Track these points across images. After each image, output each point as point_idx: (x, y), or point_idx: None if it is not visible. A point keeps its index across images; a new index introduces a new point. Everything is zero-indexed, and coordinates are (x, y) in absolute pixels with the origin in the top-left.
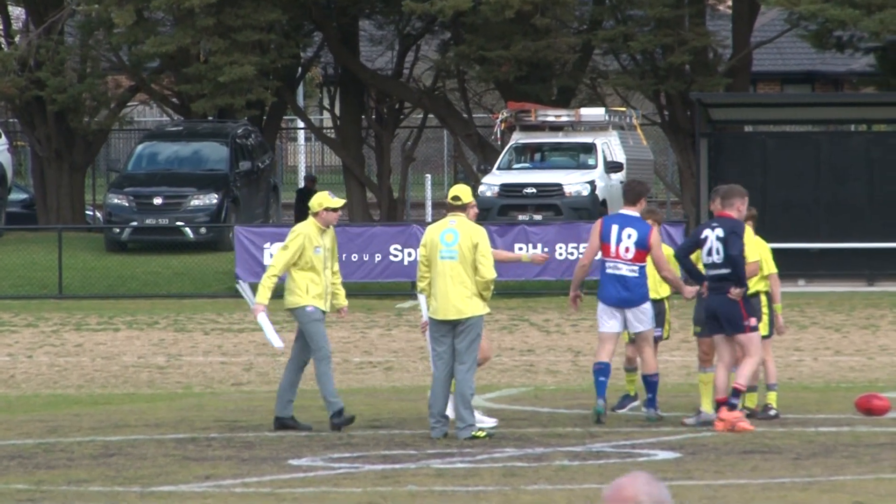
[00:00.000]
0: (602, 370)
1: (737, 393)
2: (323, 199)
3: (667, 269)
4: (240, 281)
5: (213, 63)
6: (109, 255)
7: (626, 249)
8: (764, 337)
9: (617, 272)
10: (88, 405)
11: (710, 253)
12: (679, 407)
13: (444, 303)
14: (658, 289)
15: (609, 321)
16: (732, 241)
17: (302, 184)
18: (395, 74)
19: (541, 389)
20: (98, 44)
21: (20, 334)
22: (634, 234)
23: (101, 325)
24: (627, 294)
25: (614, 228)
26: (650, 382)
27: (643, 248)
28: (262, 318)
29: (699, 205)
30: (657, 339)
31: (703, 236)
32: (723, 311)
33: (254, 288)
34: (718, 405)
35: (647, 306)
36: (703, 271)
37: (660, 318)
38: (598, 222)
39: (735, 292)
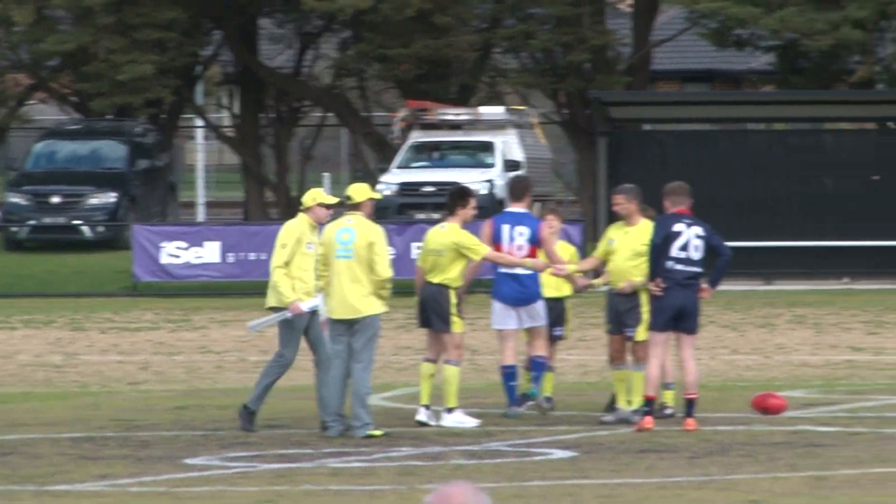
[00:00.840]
0: (511, 374)
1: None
2: (317, 195)
3: (559, 260)
4: (249, 324)
5: (112, 61)
6: (7, 253)
7: (520, 248)
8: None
9: (512, 271)
10: None
11: (685, 248)
12: (576, 406)
13: (341, 302)
14: (560, 287)
15: (506, 319)
16: (719, 239)
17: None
18: (295, 73)
19: (438, 388)
20: None
21: None
22: (526, 231)
23: None
24: (523, 292)
25: (505, 228)
26: (538, 363)
27: (535, 243)
28: (311, 303)
29: (597, 203)
30: (558, 338)
31: (675, 230)
32: (693, 308)
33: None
34: (648, 402)
35: (541, 303)
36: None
37: (561, 317)
38: (488, 223)
39: (711, 291)
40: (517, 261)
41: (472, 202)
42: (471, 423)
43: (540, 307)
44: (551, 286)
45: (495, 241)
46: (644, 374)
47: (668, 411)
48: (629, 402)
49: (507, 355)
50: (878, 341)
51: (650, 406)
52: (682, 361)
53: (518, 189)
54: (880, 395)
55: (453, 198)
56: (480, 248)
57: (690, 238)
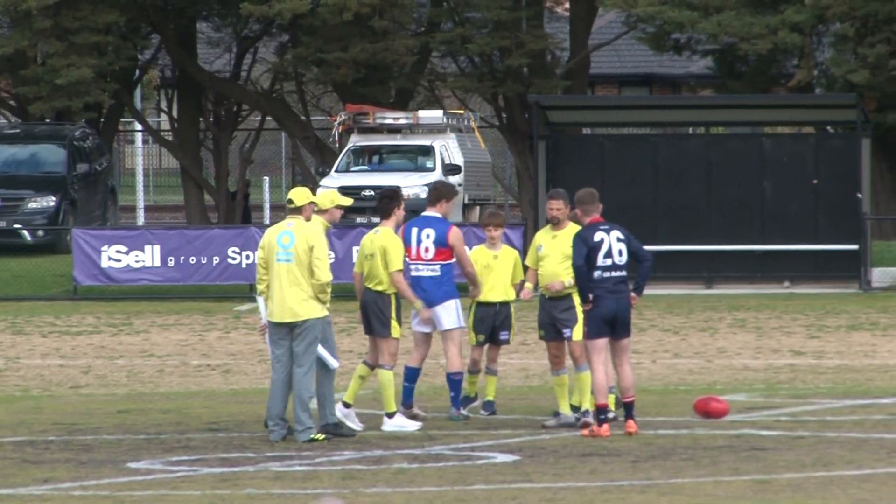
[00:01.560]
0: (409, 374)
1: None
2: (334, 196)
3: (469, 266)
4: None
5: (50, 65)
6: None
7: (426, 249)
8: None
9: (417, 273)
10: None
11: (608, 255)
12: (519, 409)
13: (281, 305)
14: (508, 292)
15: (417, 321)
16: (638, 243)
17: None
18: (233, 77)
19: (380, 392)
20: None
21: None
22: (433, 233)
23: None
24: (425, 295)
25: (414, 231)
26: (453, 381)
27: (443, 245)
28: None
29: (537, 207)
30: (504, 343)
31: (596, 240)
32: (626, 313)
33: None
34: (601, 410)
35: (450, 304)
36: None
37: (506, 322)
38: (401, 227)
39: (637, 298)
40: (407, 294)
41: (402, 203)
42: (412, 426)
43: (446, 311)
44: (499, 291)
45: (406, 245)
46: (592, 383)
47: (610, 415)
48: (580, 405)
49: (413, 357)
50: (819, 345)
51: (606, 414)
52: (618, 367)
53: (433, 194)
54: (822, 399)
55: (387, 200)
56: (394, 264)
57: (612, 244)
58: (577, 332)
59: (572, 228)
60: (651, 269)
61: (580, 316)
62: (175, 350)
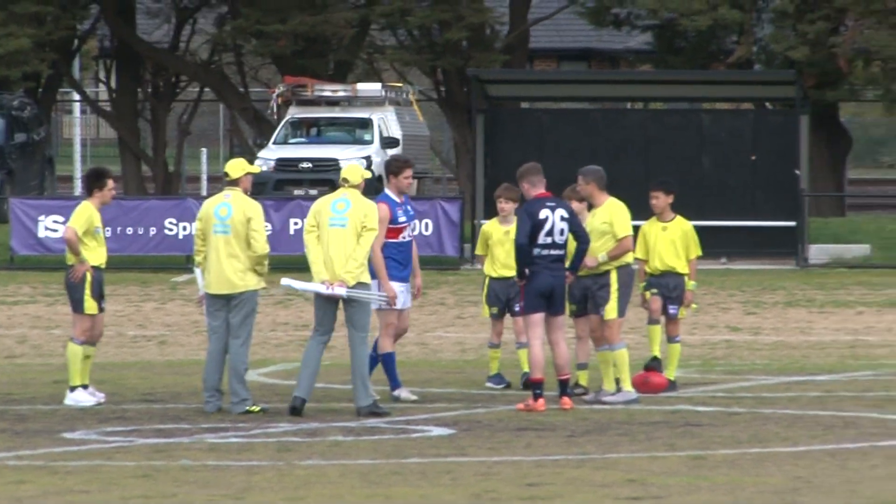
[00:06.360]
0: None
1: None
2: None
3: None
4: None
5: None
6: None
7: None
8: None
9: None
10: None
11: (550, 233)
12: (454, 383)
13: (218, 276)
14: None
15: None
16: (580, 224)
17: (79, 159)
18: (172, 47)
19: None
20: None
21: None
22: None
23: None
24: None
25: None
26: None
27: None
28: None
29: (475, 181)
30: (520, 314)
31: (541, 218)
32: (562, 290)
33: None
34: (536, 384)
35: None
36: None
37: (520, 294)
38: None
39: (572, 277)
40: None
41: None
42: (88, 402)
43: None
44: (511, 265)
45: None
46: (529, 357)
47: (579, 391)
48: (617, 381)
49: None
50: (756, 321)
51: (540, 389)
52: (554, 344)
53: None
54: (758, 376)
55: (88, 180)
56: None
57: (555, 222)
58: (610, 311)
59: (611, 203)
60: (585, 252)
61: (614, 294)
62: (111, 321)
